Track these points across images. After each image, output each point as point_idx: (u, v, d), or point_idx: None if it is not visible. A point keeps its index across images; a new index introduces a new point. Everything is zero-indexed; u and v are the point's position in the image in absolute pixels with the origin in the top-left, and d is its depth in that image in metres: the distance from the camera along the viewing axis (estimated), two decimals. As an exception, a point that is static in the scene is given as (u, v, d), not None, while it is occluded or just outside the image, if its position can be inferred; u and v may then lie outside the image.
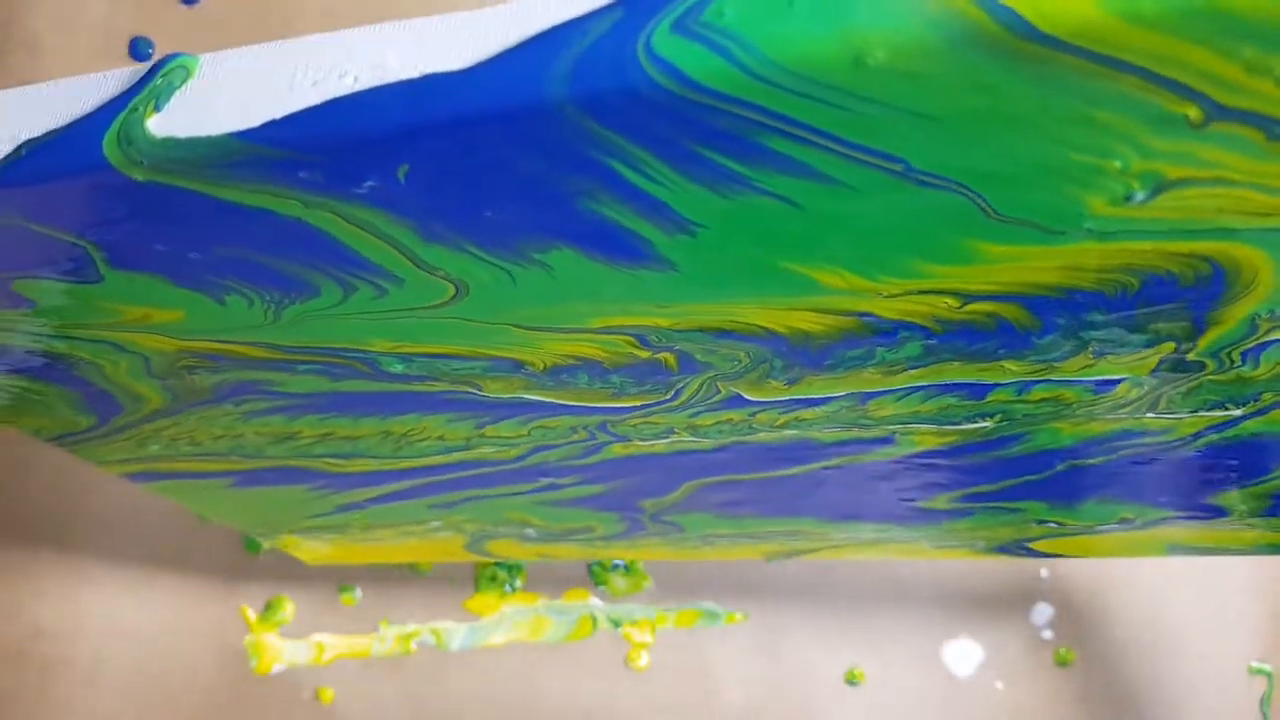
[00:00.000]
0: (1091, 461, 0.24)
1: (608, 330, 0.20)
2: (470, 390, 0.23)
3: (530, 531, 0.32)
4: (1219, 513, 0.27)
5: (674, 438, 0.25)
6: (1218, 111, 0.14)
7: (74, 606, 0.41)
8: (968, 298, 0.18)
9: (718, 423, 0.24)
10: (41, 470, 0.41)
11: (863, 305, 0.19)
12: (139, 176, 0.16)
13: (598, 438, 0.25)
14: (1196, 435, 0.23)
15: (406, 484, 0.29)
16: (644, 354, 0.21)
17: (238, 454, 0.27)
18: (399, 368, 0.22)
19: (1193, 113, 0.14)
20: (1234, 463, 0.24)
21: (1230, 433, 0.23)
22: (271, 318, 0.20)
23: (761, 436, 0.25)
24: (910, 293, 0.18)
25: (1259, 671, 0.41)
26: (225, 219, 0.17)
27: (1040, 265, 0.17)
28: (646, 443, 0.25)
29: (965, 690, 0.41)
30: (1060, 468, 0.25)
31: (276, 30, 0.39)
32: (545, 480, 0.27)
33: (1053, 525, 0.28)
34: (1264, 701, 0.41)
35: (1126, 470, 0.25)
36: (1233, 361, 0.20)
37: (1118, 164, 0.15)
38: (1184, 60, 0.13)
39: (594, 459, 0.26)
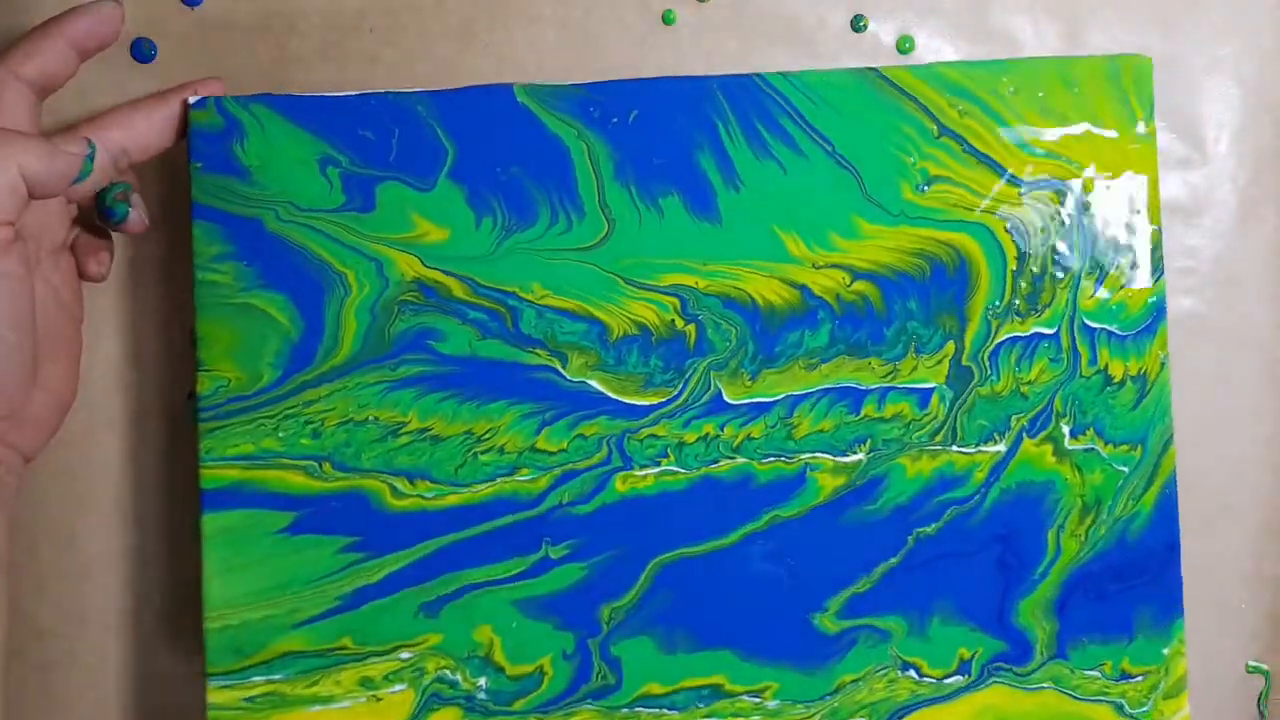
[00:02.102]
0: (928, 531, 0.36)
1: (667, 290, 0.36)
2: (557, 366, 0.36)
3: (482, 684, 0.35)
4: (1025, 648, 0.36)
5: (663, 464, 0.36)
6: (943, 129, 0.37)
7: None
8: (854, 274, 0.36)
9: (698, 439, 0.36)
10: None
11: (802, 277, 0.36)
12: (533, 109, 0.36)
13: (612, 460, 0.36)
14: (986, 485, 0.36)
15: (431, 546, 0.36)
16: (679, 323, 0.36)
17: (335, 459, 0.36)
18: (532, 321, 0.36)
19: (934, 127, 0.37)
20: (1012, 536, 0.36)
21: (1004, 481, 0.36)
22: (494, 245, 0.36)
23: (721, 467, 0.36)
24: (827, 265, 0.36)
25: (1256, 670, 0.41)
26: (539, 139, 0.36)
27: (884, 245, 0.36)
28: (643, 472, 0.36)
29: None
30: (910, 542, 0.36)
31: (279, 31, 0.40)
32: (542, 549, 0.36)
33: (912, 675, 0.36)
34: (1261, 700, 0.41)
35: (952, 554, 0.36)
36: (986, 369, 0.36)
37: (911, 159, 0.37)
38: (935, 99, 0.37)
39: (595, 502, 0.36)
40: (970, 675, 0.36)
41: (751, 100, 0.36)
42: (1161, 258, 0.37)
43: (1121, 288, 0.37)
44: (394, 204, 0.36)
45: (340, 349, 0.36)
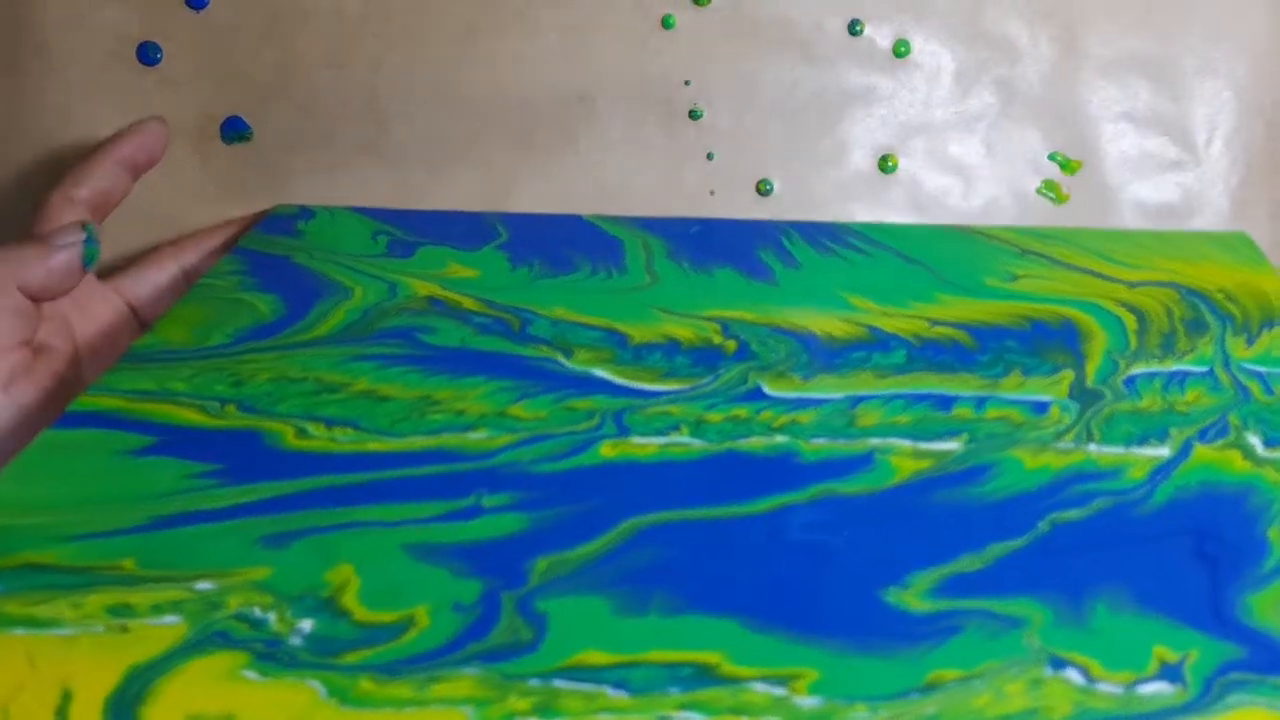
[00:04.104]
0: (1072, 515, 0.26)
1: (710, 318, 0.33)
2: (559, 358, 0.31)
3: (305, 626, 0.23)
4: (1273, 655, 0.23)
5: (673, 436, 0.28)
6: (1023, 253, 0.37)
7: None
8: (935, 322, 0.33)
9: (724, 419, 0.28)
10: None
11: (872, 321, 0.33)
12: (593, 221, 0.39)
13: (604, 428, 0.28)
14: (1151, 481, 0.27)
15: (316, 483, 0.26)
16: (718, 339, 0.32)
17: (244, 402, 0.29)
18: (544, 328, 0.32)
19: (1016, 249, 0.37)
20: (1207, 530, 0.25)
21: (1177, 475, 0.27)
22: (523, 282, 0.35)
23: (753, 443, 0.28)
24: (903, 316, 0.33)
25: None
26: (595, 235, 0.37)
27: (973, 309, 0.34)
28: (642, 440, 0.28)
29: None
30: (1043, 527, 0.25)
31: (285, 34, 0.40)
32: (474, 496, 0.26)
33: (1072, 678, 0.22)
34: None
35: (1113, 543, 0.25)
36: (1120, 391, 0.30)
37: (997, 268, 0.36)
38: (1012, 239, 0.37)
39: (570, 462, 0.27)
40: (1185, 686, 0.21)
41: (815, 228, 0.38)
42: None
43: None
44: (432, 256, 0.36)
45: (311, 331, 0.32)
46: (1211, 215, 0.44)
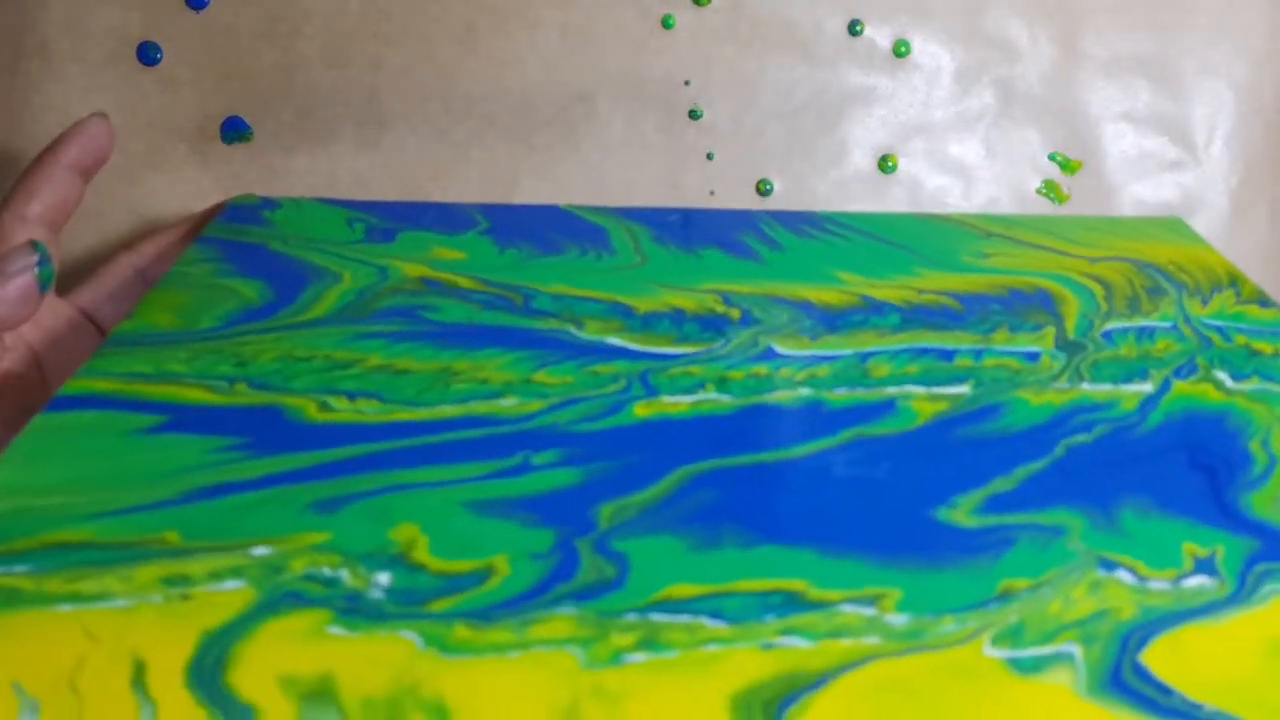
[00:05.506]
0: (1081, 440, 0.29)
1: (708, 290, 0.34)
2: (570, 329, 0.32)
3: (382, 580, 0.22)
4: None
5: (700, 395, 0.29)
6: (988, 235, 0.39)
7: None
8: (922, 291, 0.35)
9: (746, 376, 0.30)
10: None
11: (862, 291, 0.35)
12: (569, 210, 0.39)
13: (632, 389, 0.29)
14: (1142, 409, 0.30)
15: (351, 451, 0.26)
16: (720, 308, 0.33)
17: (255, 380, 0.28)
18: (547, 302, 0.33)
19: (981, 233, 0.39)
20: (1198, 446, 0.29)
21: (1163, 405, 0.30)
22: (515, 263, 0.35)
23: (779, 396, 0.29)
24: (889, 287, 0.35)
25: None
26: (578, 224, 0.38)
27: (954, 281, 0.36)
28: (672, 399, 0.29)
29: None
30: (1059, 451, 0.28)
31: (284, 35, 0.40)
32: (521, 455, 0.26)
33: (1124, 578, 0.24)
34: None
35: (1121, 460, 0.28)
36: (1099, 343, 0.33)
37: (968, 249, 0.38)
38: (977, 224, 0.40)
39: (607, 422, 0.28)
40: (1223, 579, 0.24)
41: (794, 216, 0.39)
42: (1270, 299, 0.35)
43: (1235, 305, 0.35)
44: (414, 240, 0.36)
45: (306, 314, 0.31)
46: (1211, 215, 0.44)
